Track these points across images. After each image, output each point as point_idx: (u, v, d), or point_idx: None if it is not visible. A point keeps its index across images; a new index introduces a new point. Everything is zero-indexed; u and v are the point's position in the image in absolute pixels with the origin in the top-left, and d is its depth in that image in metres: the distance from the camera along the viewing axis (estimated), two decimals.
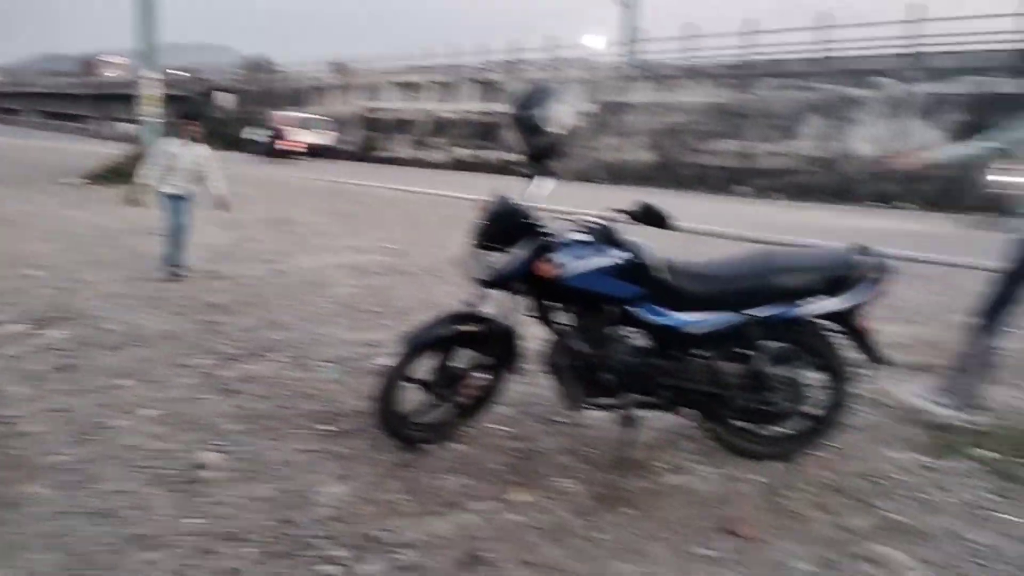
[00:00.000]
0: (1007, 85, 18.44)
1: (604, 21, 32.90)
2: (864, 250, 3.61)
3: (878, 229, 13.05)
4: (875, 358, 3.61)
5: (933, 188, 18.60)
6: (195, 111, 10.35)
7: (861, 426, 4.10)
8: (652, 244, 3.55)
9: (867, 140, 20.69)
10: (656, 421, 4.02)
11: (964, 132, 18.52)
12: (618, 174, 25.11)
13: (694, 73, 25.73)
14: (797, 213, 16.67)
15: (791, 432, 3.76)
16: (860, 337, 3.59)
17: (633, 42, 28.65)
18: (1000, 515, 3.23)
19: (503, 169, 26.53)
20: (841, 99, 21.34)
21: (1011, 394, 4.69)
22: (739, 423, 3.76)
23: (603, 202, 4.02)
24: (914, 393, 4.54)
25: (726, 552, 2.92)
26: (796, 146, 22.14)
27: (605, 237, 3.50)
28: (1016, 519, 3.19)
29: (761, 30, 25.11)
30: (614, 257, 3.46)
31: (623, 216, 3.47)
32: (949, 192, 18.30)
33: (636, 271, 3.48)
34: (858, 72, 21.50)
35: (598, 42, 33.74)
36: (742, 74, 24.24)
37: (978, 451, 3.79)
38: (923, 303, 7.23)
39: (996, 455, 3.75)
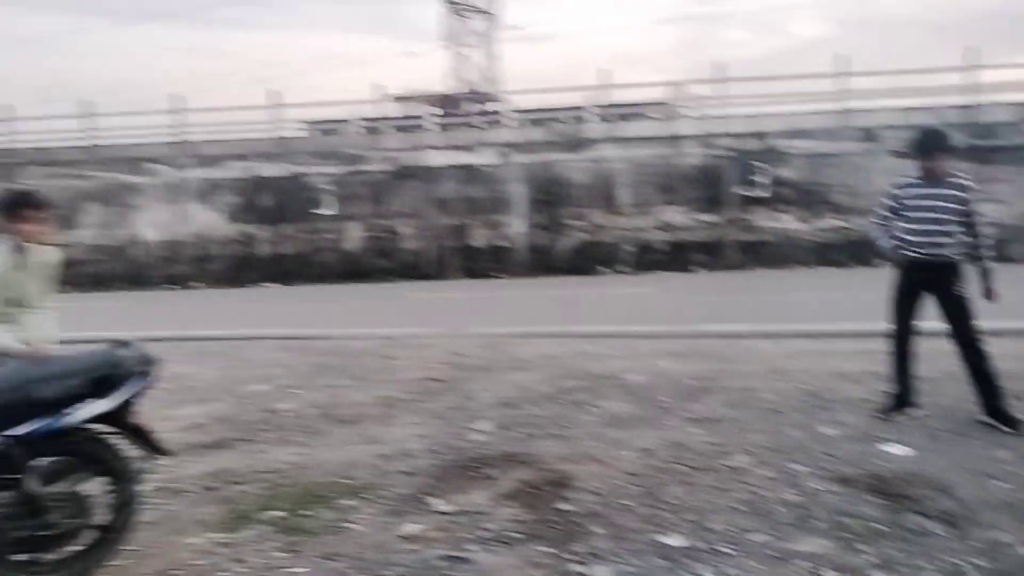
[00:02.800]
0: (269, 169, 20.54)
1: None
2: (126, 344, 3.56)
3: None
4: (155, 451, 3.59)
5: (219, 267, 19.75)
6: None
7: (157, 520, 4.04)
8: None
9: (152, 225, 20.88)
10: None
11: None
12: None
13: None
14: (95, 303, 15.89)
15: (82, 548, 3.50)
16: (137, 433, 3.53)
17: None
18: (288, 570, 3.48)
19: None
20: (119, 186, 21.13)
21: (290, 451, 5.14)
22: (20, 556, 3.35)
23: None
24: None
25: None
26: (79, 236, 21.16)
27: None
28: (302, 569, 3.48)
29: (22, 116, 23.39)
30: None
31: None
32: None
33: None
34: (132, 159, 21.57)
35: None
36: (5, 162, 22.24)
37: (267, 514, 4.04)
38: (215, 379, 7.51)
39: (283, 513, 4.05)
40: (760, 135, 19.32)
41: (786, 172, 19.07)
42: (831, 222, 18.89)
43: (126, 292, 18.61)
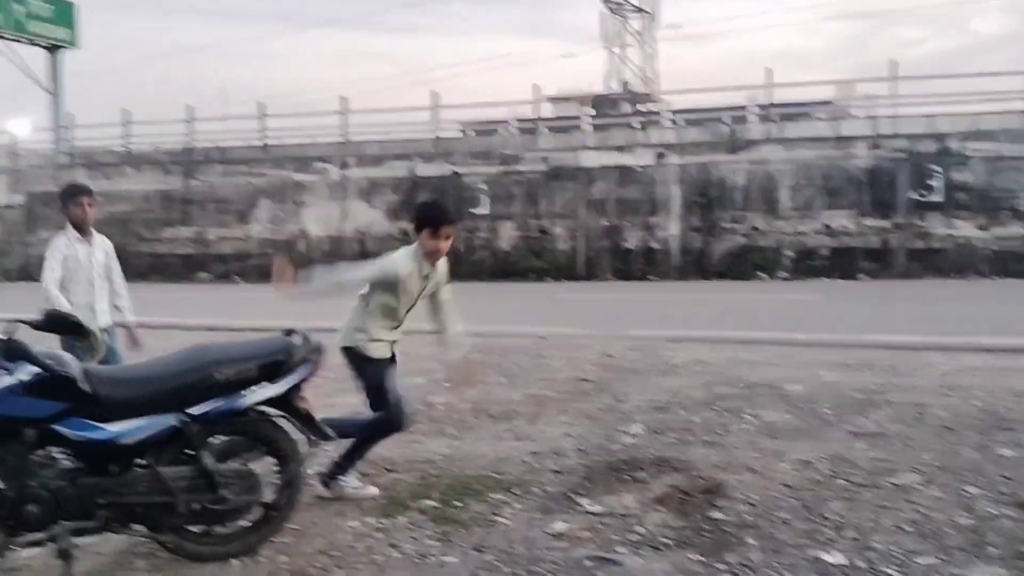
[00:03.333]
0: (427, 169, 21.14)
1: (27, 105, 29.92)
2: (296, 333, 3.74)
3: None
4: (317, 435, 3.74)
5: None
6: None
7: (318, 501, 4.23)
8: (68, 353, 3.25)
9: (317, 221, 21.94)
10: (103, 545, 3.66)
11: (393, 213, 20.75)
12: None
13: (135, 160, 24.79)
14: (264, 294, 16.85)
15: (249, 524, 3.71)
16: (302, 417, 3.70)
17: (64, 128, 26.46)
18: (439, 558, 3.56)
19: None
20: (289, 184, 22.32)
21: (443, 443, 5.26)
22: (194, 528, 3.59)
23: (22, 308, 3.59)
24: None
25: None
26: (251, 230, 22.53)
27: (7, 352, 3.11)
28: (452, 559, 3.55)
29: (202, 117, 25.10)
30: (23, 373, 3.09)
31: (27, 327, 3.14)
32: None
33: (53, 385, 3.15)
34: (301, 158, 22.76)
35: (21, 127, 30.28)
36: (187, 160, 23.97)
37: (420, 502, 4.15)
38: None
39: (435, 503, 4.15)
40: (936, 136, 18.14)
41: (964, 176, 17.82)
42: (1014, 230, 17.51)
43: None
